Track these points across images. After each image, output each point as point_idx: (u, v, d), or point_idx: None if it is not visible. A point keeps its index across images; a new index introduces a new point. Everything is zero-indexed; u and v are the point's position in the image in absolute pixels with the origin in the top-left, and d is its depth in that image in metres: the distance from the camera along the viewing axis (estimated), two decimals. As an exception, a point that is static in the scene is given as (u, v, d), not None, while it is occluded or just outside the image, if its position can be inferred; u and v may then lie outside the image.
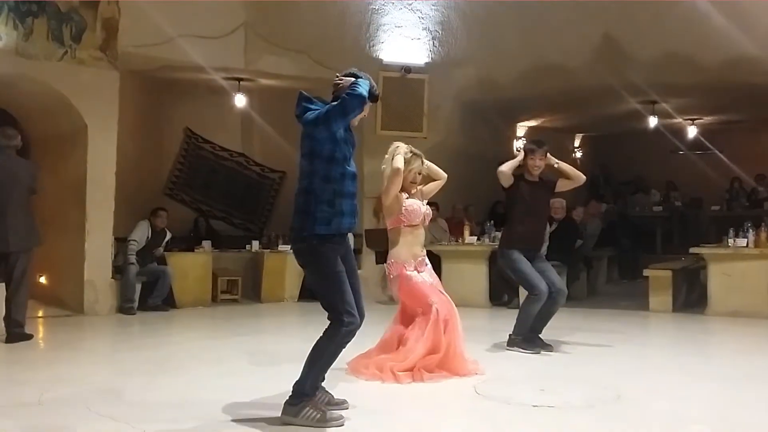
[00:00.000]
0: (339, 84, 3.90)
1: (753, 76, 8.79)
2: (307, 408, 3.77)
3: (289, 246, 3.92)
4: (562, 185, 6.07)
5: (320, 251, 3.78)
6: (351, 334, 3.82)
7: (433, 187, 5.40)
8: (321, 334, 3.83)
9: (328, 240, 3.79)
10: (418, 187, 5.25)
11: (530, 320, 5.86)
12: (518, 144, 12.64)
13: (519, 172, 6.03)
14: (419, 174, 5.18)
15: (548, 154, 6.00)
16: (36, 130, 9.26)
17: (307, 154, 3.83)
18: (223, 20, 9.06)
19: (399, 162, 4.98)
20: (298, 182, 3.90)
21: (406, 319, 5.16)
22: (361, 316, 3.88)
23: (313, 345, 3.85)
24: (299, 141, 3.91)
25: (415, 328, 5.00)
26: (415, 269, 5.11)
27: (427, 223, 5.29)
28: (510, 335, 5.99)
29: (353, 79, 3.86)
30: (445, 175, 5.40)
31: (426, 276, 5.16)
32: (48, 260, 9.35)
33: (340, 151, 3.80)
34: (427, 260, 5.25)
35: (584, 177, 6.12)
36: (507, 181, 5.95)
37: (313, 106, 3.84)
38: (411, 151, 5.10)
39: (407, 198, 5.11)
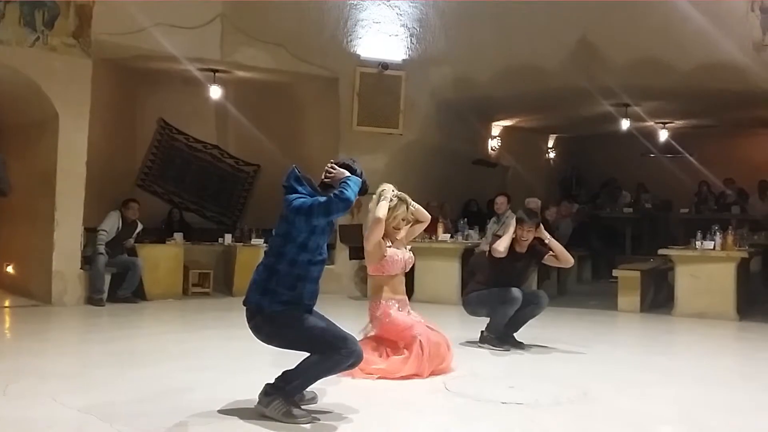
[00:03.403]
0: (331, 173, 3.86)
1: (725, 82, 8.92)
2: (277, 401, 3.78)
3: (247, 322, 3.87)
4: (548, 260, 6.09)
5: (279, 315, 3.76)
6: (352, 356, 3.78)
7: (416, 230, 5.26)
8: None
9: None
10: (402, 233, 5.11)
11: (505, 320, 5.90)
12: (493, 143, 12.72)
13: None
14: (403, 220, 5.04)
15: (541, 228, 5.96)
16: (5, 117, 9.10)
17: (281, 234, 3.82)
18: (200, 11, 8.96)
19: (381, 211, 4.84)
20: (264, 256, 3.89)
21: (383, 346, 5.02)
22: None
23: (312, 360, 3.80)
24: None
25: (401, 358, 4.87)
26: (398, 306, 5.02)
27: (407, 269, 5.18)
28: (482, 332, 6.04)
29: (347, 172, 3.84)
30: (429, 217, 5.28)
31: (408, 312, 5.07)
32: (16, 250, 9.22)
33: (314, 240, 3.80)
34: (408, 305, 5.15)
35: (572, 261, 6.16)
36: (502, 256, 5.86)
37: (300, 188, 3.81)
38: (397, 197, 4.95)
39: (389, 246, 4.99)
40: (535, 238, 5.99)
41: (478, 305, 6.06)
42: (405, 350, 4.87)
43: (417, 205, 5.18)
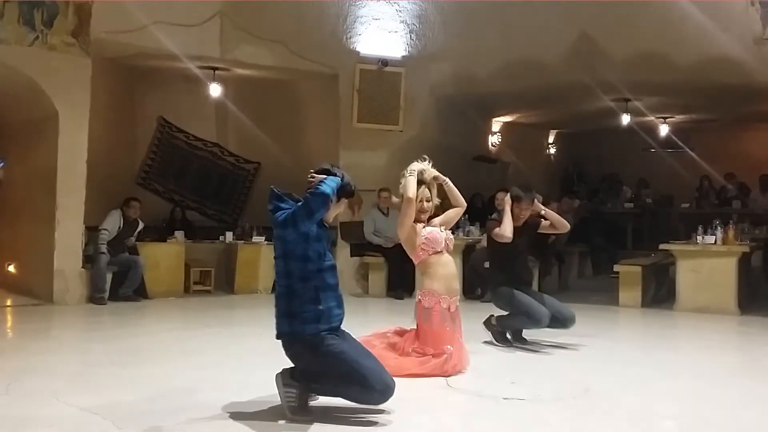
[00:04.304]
0: (311, 181, 3.79)
1: (725, 77, 8.90)
2: (294, 391, 3.75)
3: (285, 352, 3.81)
4: (545, 227, 6.05)
5: (318, 344, 3.69)
6: (384, 397, 3.71)
7: (452, 217, 5.18)
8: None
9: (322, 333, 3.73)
10: (436, 220, 5.05)
11: (520, 329, 5.83)
12: (493, 139, 12.71)
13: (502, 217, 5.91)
14: (427, 202, 4.94)
15: (535, 201, 5.92)
16: (5, 116, 9.11)
17: (281, 255, 3.78)
18: (199, 8, 8.95)
19: (410, 189, 4.73)
20: (277, 284, 3.84)
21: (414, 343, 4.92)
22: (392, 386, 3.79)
23: (342, 377, 3.74)
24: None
25: (421, 357, 4.82)
26: (448, 308, 4.92)
27: (450, 248, 5.07)
28: (492, 318, 5.97)
29: (324, 176, 3.77)
30: (464, 203, 5.22)
31: (454, 321, 4.97)
32: (17, 249, 9.23)
33: (313, 249, 3.74)
34: (458, 300, 5.04)
35: (568, 226, 6.14)
36: (509, 240, 5.75)
37: (283, 205, 3.76)
38: (420, 175, 4.84)
39: (424, 227, 4.93)
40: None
41: (506, 303, 5.87)
42: (431, 357, 4.81)
43: (452, 187, 5.09)
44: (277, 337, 3.81)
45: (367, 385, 3.69)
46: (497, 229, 5.81)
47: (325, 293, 3.76)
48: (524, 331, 6.01)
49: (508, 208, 5.85)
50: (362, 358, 3.77)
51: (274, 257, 3.85)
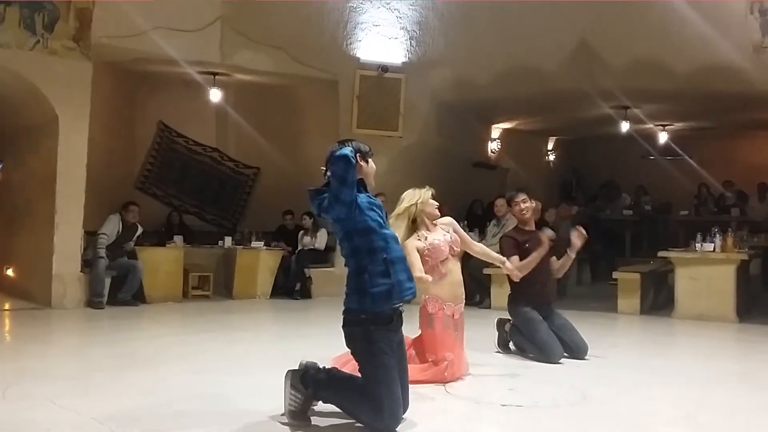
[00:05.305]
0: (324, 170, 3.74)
1: (724, 84, 8.93)
2: (298, 395, 3.70)
3: (342, 327, 3.71)
4: (554, 266, 5.89)
5: (375, 340, 3.61)
6: (387, 427, 3.58)
7: (465, 241, 5.24)
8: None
9: (385, 327, 3.65)
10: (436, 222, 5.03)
11: (525, 350, 5.76)
12: (493, 145, 12.73)
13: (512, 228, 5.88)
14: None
15: (571, 234, 5.79)
16: (6, 120, 9.12)
17: (344, 237, 3.71)
18: (199, 13, 8.98)
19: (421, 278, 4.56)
20: (348, 266, 3.76)
21: (416, 349, 4.91)
22: (405, 407, 3.73)
23: (356, 392, 3.67)
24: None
25: (422, 364, 4.81)
26: (452, 315, 4.92)
27: (456, 250, 5.02)
28: (507, 327, 5.92)
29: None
30: (476, 250, 5.39)
31: (456, 328, 4.96)
32: (16, 253, 9.24)
33: (372, 218, 3.66)
34: (462, 308, 5.04)
35: (560, 275, 6.01)
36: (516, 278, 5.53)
37: (324, 196, 3.69)
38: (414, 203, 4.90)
39: (426, 238, 4.90)
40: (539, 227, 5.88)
41: (523, 328, 5.72)
42: (431, 363, 4.79)
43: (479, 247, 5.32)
44: (344, 313, 3.72)
45: (379, 412, 3.57)
46: (515, 264, 5.50)
47: (394, 266, 3.66)
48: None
49: (536, 255, 5.59)
50: (395, 385, 3.63)
51: (340, 245, 3.80)
